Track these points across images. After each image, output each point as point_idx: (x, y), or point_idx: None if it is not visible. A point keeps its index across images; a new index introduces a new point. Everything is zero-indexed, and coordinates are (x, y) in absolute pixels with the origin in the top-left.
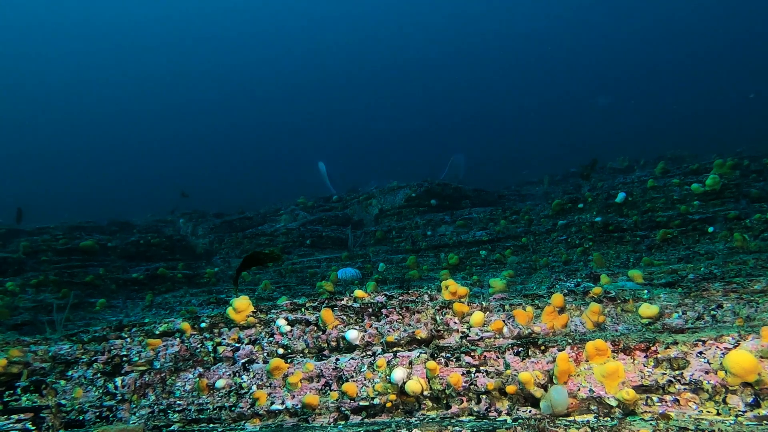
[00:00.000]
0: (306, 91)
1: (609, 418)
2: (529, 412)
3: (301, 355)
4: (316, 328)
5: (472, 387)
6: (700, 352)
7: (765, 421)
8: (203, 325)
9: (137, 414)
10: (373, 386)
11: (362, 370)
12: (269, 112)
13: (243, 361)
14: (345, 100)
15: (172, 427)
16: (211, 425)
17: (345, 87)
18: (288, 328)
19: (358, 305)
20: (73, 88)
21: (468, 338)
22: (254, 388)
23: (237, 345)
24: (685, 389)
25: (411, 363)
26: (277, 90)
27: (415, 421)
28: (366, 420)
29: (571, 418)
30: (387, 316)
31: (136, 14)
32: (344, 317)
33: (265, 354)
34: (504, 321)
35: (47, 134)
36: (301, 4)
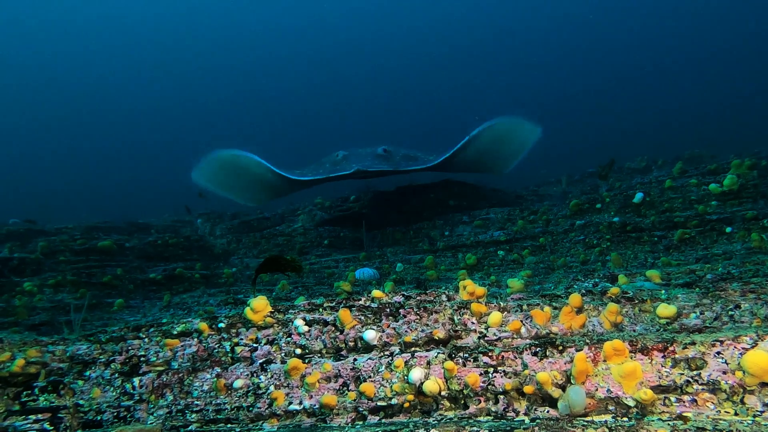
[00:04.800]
0: (316, 90)
1: (627, 419)
2: (547, 412)
3: (319, 355)
4: (333, 329)
5: (489, 387)
6: (718, 352)
7: None
8: (221, 325)
9: (155, 414)
10: (391, 386)
11: (380, 370)
12: (281, 112)
13: (261, 361)
14: (351, 99)
15: (189, 428)
16: (229, 425)
17: (353, 85)
18: (306, 328)
19: (376, 305)
20: (90, 89)
21: (486, 338)
22: (272, 388)
23: (255, 345)
24: (702, 389)
25: (429, 363)
26: (288, 89)
27: (433, 421)
28: (384, 420)
29: (588, 418)
30: (405, 317)
31: (153, 13)
32: (362, 317)
33: (283, 354)
34: (522, 321)
35: (63, 135)
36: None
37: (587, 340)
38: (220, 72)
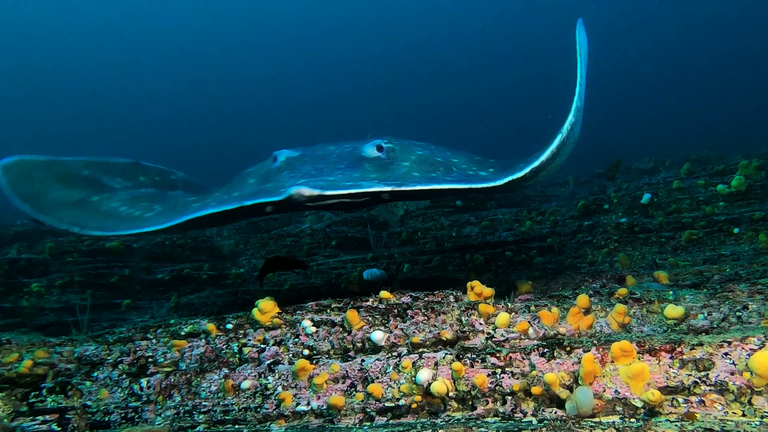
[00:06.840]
0: (324, 91)
1: (634, 419)
2: (555, 413)
3: (327, 356)
4: (341, 329)
5: (497, 388)
6: (726, 353)
7: None
8: (229, 326)
9: (163, 415)
10: (399, 387)
11: (388, 371)
12: (287, 114)
13: (268, 362)
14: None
15: (197, 428)
16: (237, 426)
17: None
18: (313, 329)
19: (384, 306)
20: (102, 87)
21: (493, 339)
22: (280, 389)
23: (262, 346)
24: (710, 390)
25: (436, 364)
26: (296, 93)
27: (441, 422)
28: (391, 421)
29: (596, 419)
30: (412, 317)
31: (165, 20)
32: (370, 318)
33: (291, 355)
34: (529, 322)
35: (68, 134)
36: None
37: (595, 341)
38: (223, 71)
